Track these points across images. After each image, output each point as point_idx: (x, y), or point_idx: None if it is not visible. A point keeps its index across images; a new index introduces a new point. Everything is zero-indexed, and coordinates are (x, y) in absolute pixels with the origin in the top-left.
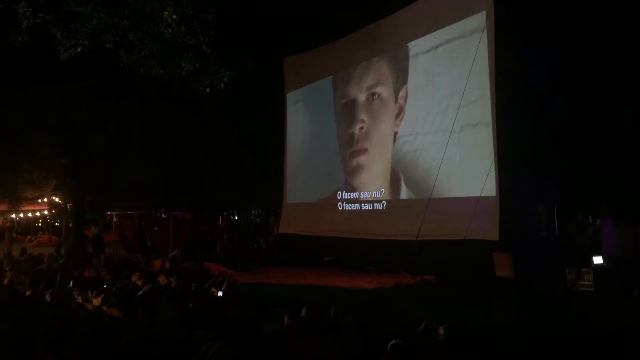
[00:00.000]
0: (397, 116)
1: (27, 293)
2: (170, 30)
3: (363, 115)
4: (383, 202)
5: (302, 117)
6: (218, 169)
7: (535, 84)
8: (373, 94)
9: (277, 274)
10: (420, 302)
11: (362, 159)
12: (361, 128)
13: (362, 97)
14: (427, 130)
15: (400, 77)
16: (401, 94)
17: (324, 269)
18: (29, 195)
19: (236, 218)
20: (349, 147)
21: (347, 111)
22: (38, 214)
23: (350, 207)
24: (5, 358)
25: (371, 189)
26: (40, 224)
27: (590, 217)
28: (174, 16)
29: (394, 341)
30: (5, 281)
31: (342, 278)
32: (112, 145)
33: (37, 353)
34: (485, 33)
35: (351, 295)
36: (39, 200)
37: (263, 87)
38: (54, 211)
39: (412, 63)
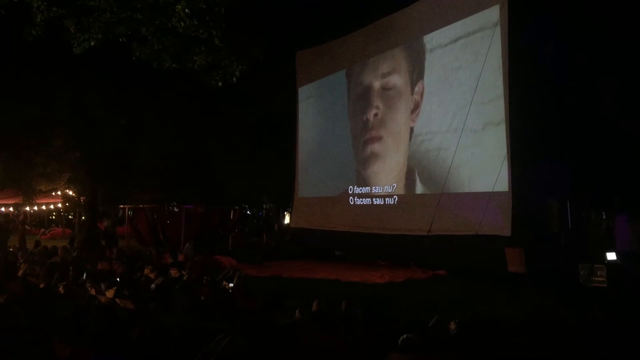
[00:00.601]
0: (412, 111)
1: (41, 285)
2: (182, 24)
3: (378, 102)
4: (395, 196)
5: (313, 111)
6: (231, 162)
7: (549, 79)
8: (388, 81)
9: (288, 268)
10: (431, 297)
11: (376, 147)
12: (376, 115)
13: (377, 84)
14: (443, 128)
15: (416, 71)
16: (417, 88)
17: (335, 263)
18: (43, 188)
19: (248, 212)
20: (363, 135)
21: (362, 99)
22: (52, 206)
23: (362, 201)
24: (20, 348)
25: (383, 183)
26: (54, 217)
27: (603, 212)
28: (186, 10)
29: (405, 335)
30: (20, 273)
31: (353, 272)
32: (125, 138)
33: (51, 344)
34: (498, 27)
35: (362, 290)
36: (53, 193)
37: (276, 80)
38: (67, 204)
39: (428, 57)
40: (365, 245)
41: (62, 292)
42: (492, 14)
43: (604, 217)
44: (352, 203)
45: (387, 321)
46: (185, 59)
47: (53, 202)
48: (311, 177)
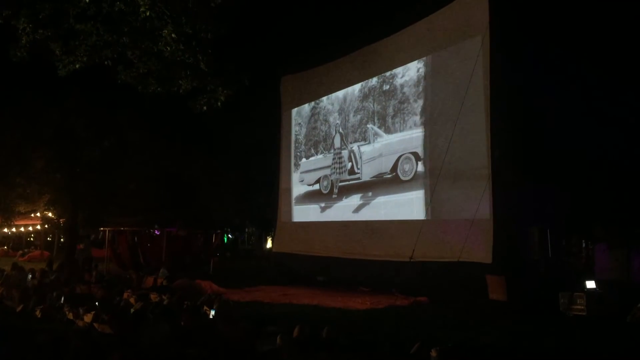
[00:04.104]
0: (396, 138)
1: (18, 309)
2: (169, 48)
3: (360, 129)
4: (377, 222)
5: (297, 136)
6: (214, 185)
7: (531, 108)
8: (370, 110)
9: (270, 293)
10: (413, 324)
11: (355, 183)
12: (357, 140)
13: (359, 112)
14: (425, 156)
15: (399, 99)
16: (399, 117)
17: (317, 289)
18: (22, 209)
19: (230, 236)
20: (345, 162)
21: (339, 136)
22: (30, 228)
23: (345, 227)
24: None
25: (365, 210)
26: (32, 239)
27: (583, 241)
28: (173, 35)
29: None
30: None
31: (335, 298)
32: (107, 160)
33: None
34: (480, 57)
35: (344, 316)
36: (32, 215)
37: (261, 104)
38: (46, 226)
39: (412, 85)
40: (348, 271)
41: (39, 316)
42: (474, 45)
43: (583, 245)
44: (334, 228)
45: (369, 348)
46: (170, 83)
47: (32, 223)
48: (294, 201)
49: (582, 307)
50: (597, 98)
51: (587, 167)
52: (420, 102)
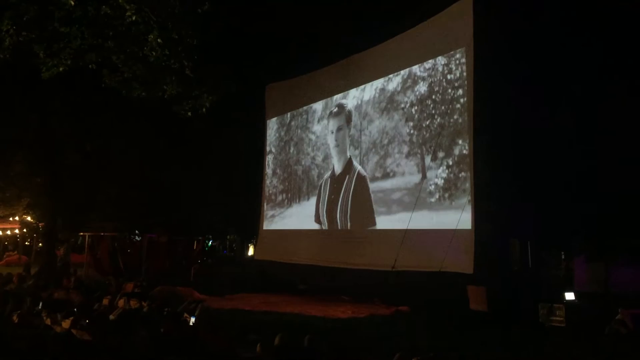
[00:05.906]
0: (376, 149)
1: None
2: (154, 53)
3: (340, 139)
4: (359, 232)
5: (281, 144)
6: (197, 192)
7: (513, 119)
8: (352, 120)
9: (251, 301)
10: (394, 333)
11: (340, 182)
12: (337, 146)
13: (340, 123)
14: (409, 166)
15: (383, 109)
16: (381, 127)
17: (299, 297)
18: (0, 213)
19: (210, 243)
20: (327, 171)
21: (323, 144)
22: (9, 232)
23: (327, 236)
24: None
25: (347, 220)
26: (7, 244)
27: (563, 253)
28: (158, 40)
29: None
30: None
31: (316, 307)
32: (89, 165)
33: None
34: (464, 70)
35: (325, 325)
36: (10, 219)
37: (245, 111)
38: (25, 230)
39: (393, 96)
40: (329, 279)
41: (16, 321)
42: (459, 58)
43: (563, 257)
44: (317, 237)
45: (350, 357)
46: (155, 88)
47: (10, 227)
48: (277, 209)
49: (561, 319)
50: (581, 113)
51: (568, 181)
52: (402, 114)
